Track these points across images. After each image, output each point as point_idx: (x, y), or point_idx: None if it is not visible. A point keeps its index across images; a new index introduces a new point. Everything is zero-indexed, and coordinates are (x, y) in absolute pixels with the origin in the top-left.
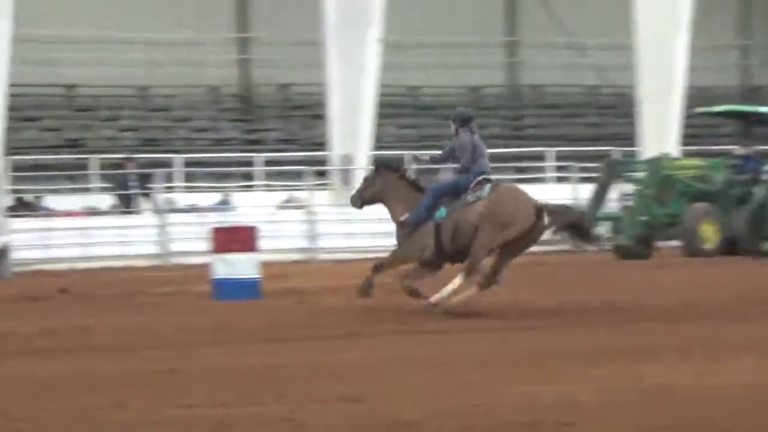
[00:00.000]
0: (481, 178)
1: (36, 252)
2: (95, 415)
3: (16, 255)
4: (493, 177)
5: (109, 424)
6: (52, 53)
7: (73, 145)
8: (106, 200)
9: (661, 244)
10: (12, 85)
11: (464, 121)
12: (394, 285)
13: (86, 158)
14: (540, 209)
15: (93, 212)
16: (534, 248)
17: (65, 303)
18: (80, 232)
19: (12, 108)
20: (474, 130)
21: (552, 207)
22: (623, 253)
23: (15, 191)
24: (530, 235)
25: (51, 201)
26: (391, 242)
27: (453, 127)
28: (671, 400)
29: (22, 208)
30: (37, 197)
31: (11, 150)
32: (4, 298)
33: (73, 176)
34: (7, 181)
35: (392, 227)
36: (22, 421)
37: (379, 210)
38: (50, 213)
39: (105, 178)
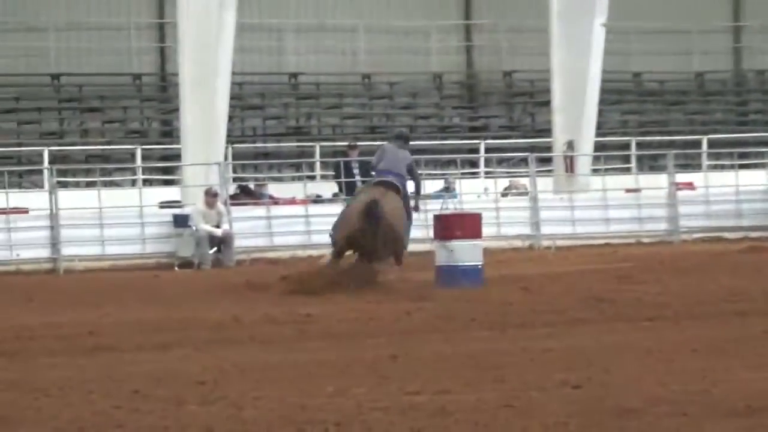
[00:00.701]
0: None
1: (259, 240)
2: (316, 403)
3: (239, 243)
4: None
5: (330, 411)
6: (275, 41)
7: (296, 132)
8: (329, 188)
9: None
10: (236, 74)
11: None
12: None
13: (310, 146)
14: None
15: (315, 200)
16: (757, 233)
17: (287, 291)
18: (303, 220)
19: (236, 96)
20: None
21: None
22: None
23: (238, 179)
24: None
25: (274, 189)
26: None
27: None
28: None
29: (245, 196)
30: (259, 185)
31: (235, 138)
32: (227, 286)
33: (296, 164)
34: (230, 169)
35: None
36: (247, 409)
37: (602, 196)
38: (273, 201)
39: (327, 165)
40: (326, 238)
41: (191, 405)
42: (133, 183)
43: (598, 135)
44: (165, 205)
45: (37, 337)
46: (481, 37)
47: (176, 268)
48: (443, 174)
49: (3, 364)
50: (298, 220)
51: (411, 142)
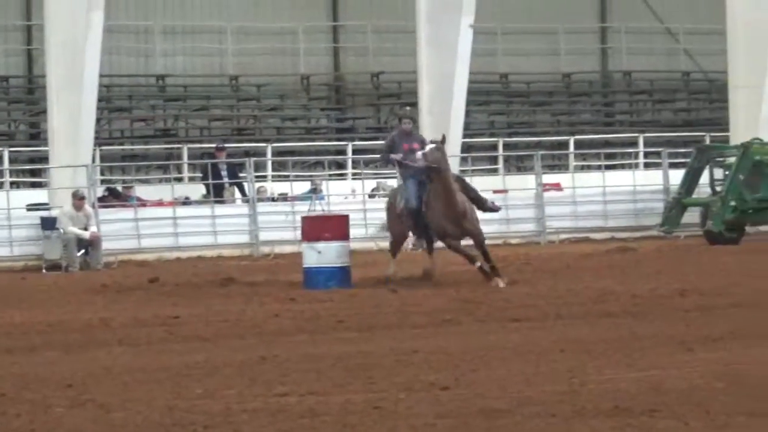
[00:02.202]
0: None
1: (126, 242)
2: (185, 405)
3: (106, 245)
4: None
5: (199, 413)
6: (143, 43)
7: (164, 134)
8: (197, 190)
9: (751, 229)
10: (103, 76)
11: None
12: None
13: (178, 148)
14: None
15: (184, 202)
16: (624, 234)
17: (155, 293)
18: (170, 222)
19: (104, 98)
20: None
21: None
22: (714, 238)
23: (106, 181)
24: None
25: (141, 191)
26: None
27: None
28: (760, 386)
29: (112, 198)
30: (127, 187)
31: (103, 140)
32: (94, 289)
33: (163, 166)
34: (98, 171)
35: None
36: (115, 412)
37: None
38: (141, 203)
39: (195, 167)
40: (195, 240)
41: (59, 408)
42: (0, 185)
43: (465, 136)
44: (32, 207)
45: None
46: (348, 38)
47: (44, 271)
48: (310, 175)
49: None
50: (166, 222)
51: (277, 144)
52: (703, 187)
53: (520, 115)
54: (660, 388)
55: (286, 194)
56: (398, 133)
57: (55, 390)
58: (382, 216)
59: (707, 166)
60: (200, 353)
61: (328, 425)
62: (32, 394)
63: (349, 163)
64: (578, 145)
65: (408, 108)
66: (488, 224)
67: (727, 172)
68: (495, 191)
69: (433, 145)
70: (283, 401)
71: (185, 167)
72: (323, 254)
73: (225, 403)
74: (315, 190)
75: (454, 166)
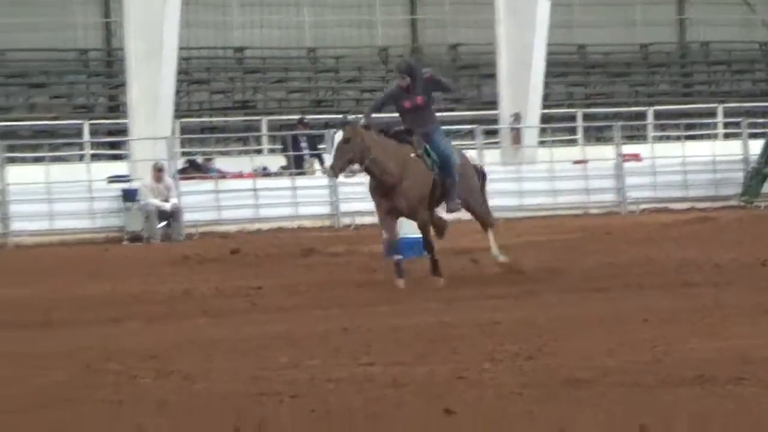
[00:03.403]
0: None
1: (207, 214)
2: (269, 375)
3: (187, 217)
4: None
5: (284, 383)
6: (221, 16)
7: (242, 106)
8: (276, 161)
9: None
10: (182, 48)
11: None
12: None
13: (257, 120)
14: None
15: (263, 173)
16: (704, 204)
17: (236, 264)
18: (250, 194)
19: (182, 71)
20: None
21: None
22: None
23: (186, 153)
24: None
25: (221, 163)
26: (567, 200)
27: (406, 80)
28: None
29: (193, 170)
30: (207, 159)
31: (182, 112)
32: (176, 260)
33: (242, 138)
34: (178, 143)
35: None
36: (200, 382)
37: (549, 168)
38: (221, 175)
39: (274, 139)
40: (276, 211)
41: (144, 379)
42: (81, 158)
43: (544, 107)
44: (114, 179)
45: None
46: (426, 9)
47: (125, 243)
48: None
49: None
50: (247, 193)
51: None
52: None
53: (598, 86)
54: (745, 356)
55: None
56: (396, 89)
57: (140, 361)
58: None
59: None
60: (283, 324)
61: (414, 395)
62: (117, 365)
63: None
64: (657, 115)
65: (405, 58)
66: (568, 195)
67: None
68: (575, 162)
69: (338, 137)
70: (368, 371)
71: (264, 139)
72: (404, 224)
73: (310, 373)
74: None
75: (532, 137)
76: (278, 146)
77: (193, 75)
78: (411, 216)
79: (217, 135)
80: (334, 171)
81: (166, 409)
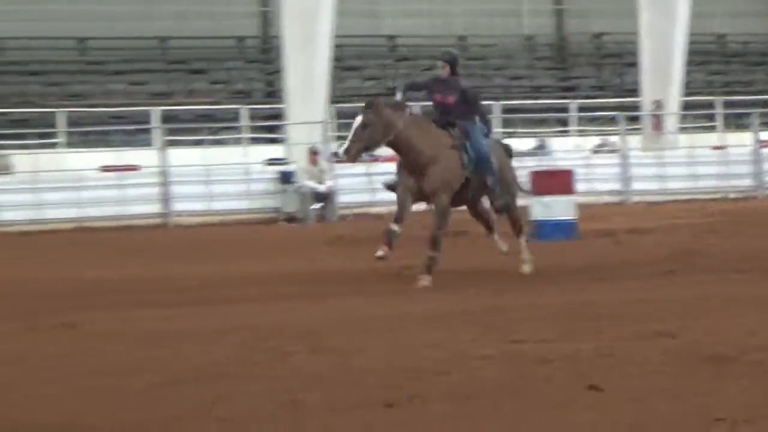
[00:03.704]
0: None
1: (360, 196)
2: (423, 352)
3: (341, 198)
4: None
5: (437, 359)
6: (373, 5)
7: (393, 92)
8: None
9: None
10: (336, 36)
11: (457, 64)
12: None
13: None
14: None
15: None
16: None
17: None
18: None
19: (336, 58)
20: None
21: None
22: None
23: (340, 137)
24: None
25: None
26: (706, 184)
27: (445, 69)
28: None
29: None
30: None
31: (335, 98)
32: (330, 240)
33: None
34: (332, 127)
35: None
36: (355, 359)
37: (689, 153)
38: (374, 159)
39: None
40: None
41: (300, 354)
42: (239, 141)
43: (684, 94)
44: (271, 162)
45: (151, 289)
46: (571, 0)
47: (281, 223)
48: (536, 132)
49: (119, 315)
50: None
51: (504, 102)
52: None
53: (737, 75)
54: None
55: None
56: (434, 77)
57: (295, 338)
58: (607, 171)
59: None
60: (434, 302)
61: (562, 371)
62: (274, 341)
63: (572, 120)
64: None
65: (449, 49)
66: (708, 179)
67: None
68: (714, 147)
69: (358, 121)
70: (516, 348)
71: None
72: (550, 207)
73: (461, 349)
74: (541, 147)
75: (673, 124)
76: None
77: (346, 62)
78: (432, 198)
79: None
80: (349, 155)
81: (320, 384)
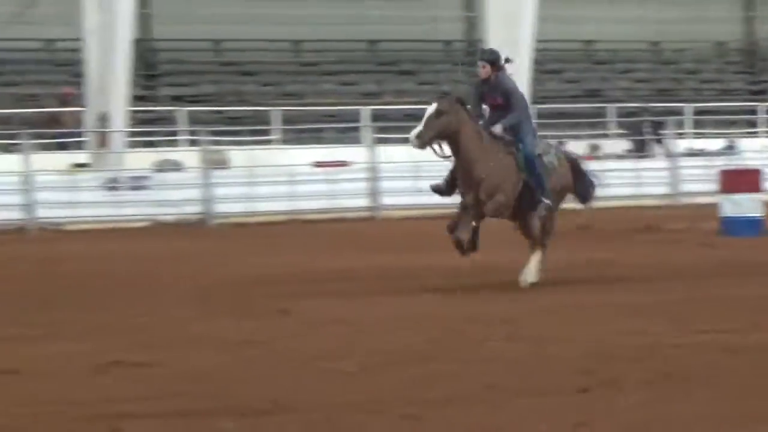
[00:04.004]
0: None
1: None
2: (616, 340)
3: None
4: None
5: (630, 348)
6: (573, 11)
7: (591, 95)
8: (622, 145)
9: None
10: (537, 41)
11: (499, 62)
12: None
13: (603, 107)
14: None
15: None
16: None
17: (584, 239)
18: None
19: (537, 61)
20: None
21: None
22: None
23: (541, 137)
24: None
25: (572, 146)
26: None
27: (485, 69)
28: None
29: None
30: (559, 142)
31: (537, 99)
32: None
33: (591, 123)
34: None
35: None
36: (550, 346)
37: None
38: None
39: (621, 125)
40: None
41: (497, 341)
42: None
43: None
44: None
45: (362, 278)
46: (762, 6)
47: None
48: (726, 133)
49: (330, 302)
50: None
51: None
52: None
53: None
54: None
55: (703, 149)
56: (477, 84)
57: (493, 325)
58: None
59: None
60: (628, 293)
61: (749, 361)
62: (473, 328)
63: (761, 122)
64: None
65: (489, 49)
66: None
67: None
68: None
69: (432, 108)
70: (707, 338)
71: (611, 125)
72: (739, 205)
73: (654, 339)
74: (731, 147)
75: None
76: (623, 131)
77: (546, 65)
78: (492, 213)
79: (568, 120)
80: (421, 141)
81: (517, 369)
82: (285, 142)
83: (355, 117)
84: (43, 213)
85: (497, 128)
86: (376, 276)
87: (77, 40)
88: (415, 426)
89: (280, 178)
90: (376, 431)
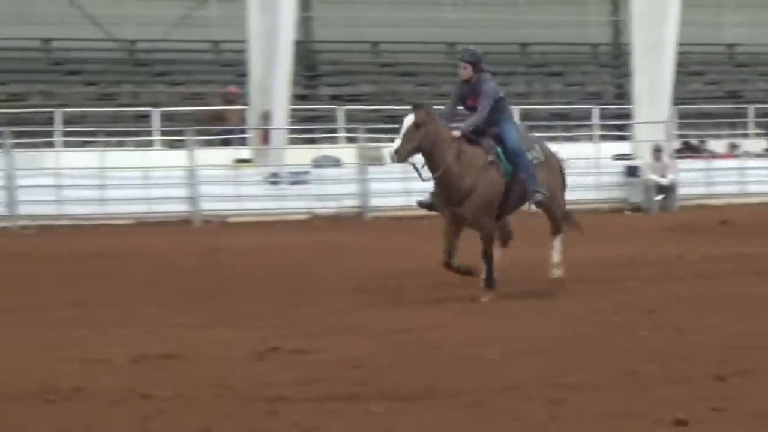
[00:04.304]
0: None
1: (699, 189)
2: (754, 330)
3: (681, 191)
4: None
5: (762, 338)
6: (715, 16)
7: (732, 96)
8: (761, 144)
9: None
10: (680, 44)
11: (480, 64)
12: None
13: (744, 108)
14: None
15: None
16: None
17: (724, 234)
18: (736, 173)
19: (680, 64)
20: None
21: None
22: None
23: (682, 136)
24: None
25: (713, 145)
26: None
27: (466, 70)
28: None
29: (688, 150)
30: (701, 141)
31: (679, 100)
32: (670, 228)
33: (732, 123)
34: (675, 127)
35: None
36: (691, 335)
37: None
38: (712, 155)
39: (760, 125)
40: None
41: (642, 331)
42: (590, 138)
43: None
44: (618, 157)
45: (503, 270)
46: None
47: (627, 212)
48: None
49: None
50: (733, 172)
51: None
52: None
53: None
54: None
55: None
56: (459, 85)
57: (639, 315)
58: None
59: None
60: (764, 286)
61: None
62: (621, 318)
63: None
64: None
65: (470, 50)
66: None
67: None
68: None
69: (410, 122)
70: None
71: (750, 125)
72: None
73: None
74: None
75: None
76: (762, 131)
77: (689, 67)
78: (475, 226)
79: (709, 120)
80: (400, 156)
81: (658, 357)
82: None
83: None
84: (207, 206)
85: (455, 133)
86: (523, 268)
87: (242, 41)
88: (561, 410)
89: (428, 174)
90: (526, 415)
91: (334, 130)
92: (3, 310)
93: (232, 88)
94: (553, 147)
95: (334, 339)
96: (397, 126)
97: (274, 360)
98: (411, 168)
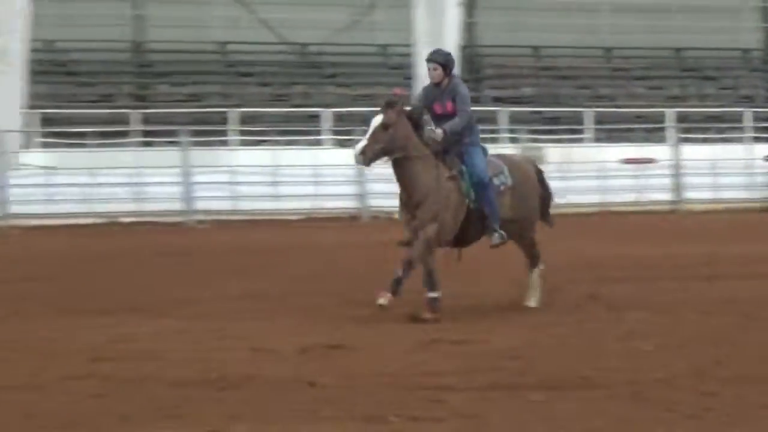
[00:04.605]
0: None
1: None
2: None
3: None
4: None
5: None
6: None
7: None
8: None
9: None
10: None
11: (452, 65)
12: None
13: None
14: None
15: None
16: None
17: None
18: None
19: None
20: None
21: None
22: None
23: None
24: None
25: None
26: None
27: (437, 72)
28: None
29: None
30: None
31: None
32: None
33: None
34: None
35: None
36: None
37: None
38: None
39: None
40: None
41: None
42: (742, 140)
43: None
44: None
45: (658, 266)
46: None
47: None
48: None
49: (636, 288)
50: None
51: None
52: None
53: None
54: None
55: None
56: (428, 86)
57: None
58: None
59: None
60: None
61: None
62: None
63: None
64: None
65: (440, 50)
66: None
67: None
68: None
69: (377, 121)
70: None
71: None
72: None
73: None
74: None
75: None
76: None
77: None
78: (421, 229)
79: None
80: (365, 158)
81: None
82: (597, 140)
83: (660, 118)
84: (375, 203)
85: (438, 132)
86: (673, 264)
87: (408, 45)
88: (715, 402)
89: (591, 173)
90: (680, 405)
91: (497, 131)
92: (176, 301)
93: (398, 90)
94: (706, 148)
95: (494, 330)
96: (556, 127)
97: (436, 350)
98: (571, 168)
